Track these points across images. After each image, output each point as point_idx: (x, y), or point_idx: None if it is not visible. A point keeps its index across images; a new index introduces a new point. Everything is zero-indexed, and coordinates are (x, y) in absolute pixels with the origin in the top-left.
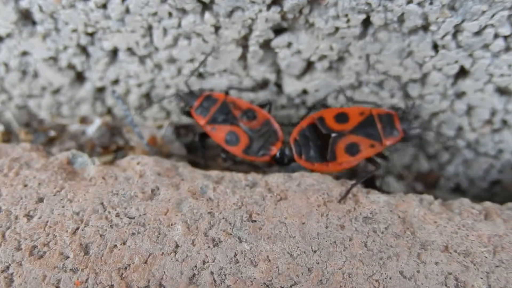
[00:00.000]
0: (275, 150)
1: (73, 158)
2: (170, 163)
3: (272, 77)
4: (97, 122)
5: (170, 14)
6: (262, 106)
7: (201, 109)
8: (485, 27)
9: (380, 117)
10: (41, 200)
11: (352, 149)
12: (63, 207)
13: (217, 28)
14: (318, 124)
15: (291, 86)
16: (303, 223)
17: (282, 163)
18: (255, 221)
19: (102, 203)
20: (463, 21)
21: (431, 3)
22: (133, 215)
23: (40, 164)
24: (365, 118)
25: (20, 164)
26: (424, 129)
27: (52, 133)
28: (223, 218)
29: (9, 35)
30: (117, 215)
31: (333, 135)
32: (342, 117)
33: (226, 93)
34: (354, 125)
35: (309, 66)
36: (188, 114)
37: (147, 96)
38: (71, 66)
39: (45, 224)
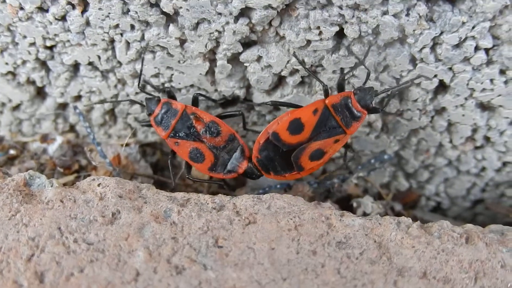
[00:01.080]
0: (242, 168)
1: (30, 180)
2: (133, 185)
3: (241, 92)
4: (59, 140)
5: (132, 27)
6: (233, 115)
7: (161, 119)
8: (465, 39)
9: (335, 107)
10: None
11: (318, 155)
12: (18, 232)
13: (182, 41)
14: (274, 141)
15: (260, 101)
16: (273, 249)
17: (253, 178)
18: (221, 246)
19: (59, 228)
20: (441, 33)
21: (407, 15)
22: (92, 241)
23: None
24: (320, 116)
25: None
26: (389, 93)
27: (12, 152)
28: (188, 243)
29: None
30: (75, 241)
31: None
32: (296, 126)
33: (194, 101)
34: (310, 130)
35: (280, 80)
36: (147, 123)
37: (111, 112)
38: (30, 82)
39: None
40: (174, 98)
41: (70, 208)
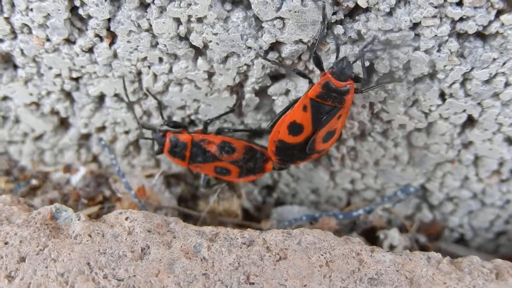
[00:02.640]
0: (269, 167)
1: (56, 213)
2: (161, 219)
3: (268, 125)
4: (82, 171)
5: (160, 60)
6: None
7: (175, 153)
8: (496, 75)
9: (321, 96)
10: (23, 259)
11: (329, 135)
12: (46, 267)
13: (210, 74)
14: (283, 146)
15: None
16: (305, 286)
17: (283, 169)
18: (253, 283)
19: (88, 263)
20: (472, 69)
21: (439, 50)
22: (122, 277)
23: (22, 220)
24: (312, 110)
25: (0, 219)
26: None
27: (34, 182)
28: (219, 280)
29: None
30: (105, 277)
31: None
32: (295, 128)
33: (218, 132)
34: (310, 125)
35: None
36: (161, 152)
37: (135, 143)
38: (54, 112)
39: (28, 286)
40: (178, 126)
41: (98, 242)
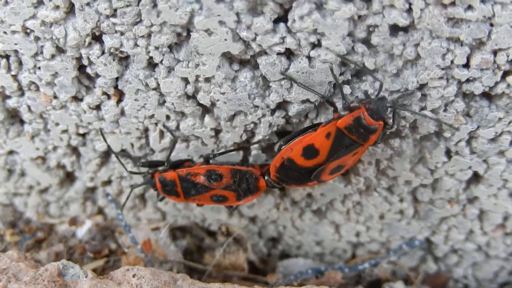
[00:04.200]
0: (263, 185)
1: (63, 270)
2: (168, 275)
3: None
4: (88, 224)
5: (168, 117)
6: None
7: (168, 192)
8: (501, 133)
9: (349, 128)
10: None
11: (338, 169)
12: None
13: (217, 132)
14: (290, 166)
15: (296, 190)
16: None
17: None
18: None
19: None
20: (478, 127)
21: (445, 110)
22: None
23: (29, 277)
24: (334, 139)
25: (7, 276)
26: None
27: (40, 234)
28: None
29: None
30: None
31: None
32: (310, 152)
33: (206, 160)
34: (326, 153)
35: None
36: (163, 197)
37: (142, 197)
38: (60, 166)
39: None
40: (179, 164)
41: None
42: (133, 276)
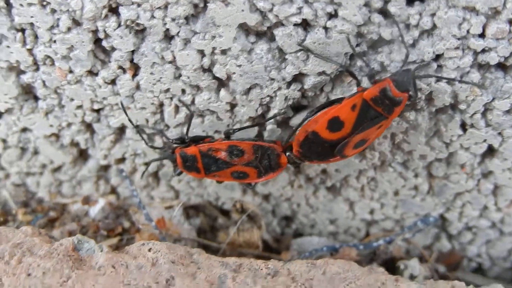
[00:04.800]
0: (284, 162)
1: (78, 244)
2: (184, 250)
3: None
4: (101, 202)
5: (183, 91)
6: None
7: (189, 168)
8: None
9: (375, 100)
10: None
11: (362, 143)
12: None
13: (232, 106)
14: (314, 139)
15: (310, 167)
16: None
17: (297, 165)
18: None
19: None
20: (493, 99)
21: (460, 82)
22: None
23: (44, 251)
24: (360, 111)
25: (22, 250)
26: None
27: (52, 214)
28: None
29: (8, 111)
30: None
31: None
32: (335, 124)
33: (227, 136)
34: (351, 125)
35: None
36: (180, 172)
37: (155, 174)
38: (74, 144)
39: None
40: (201, 139)
41: (122, 274)
42: (149, 250)
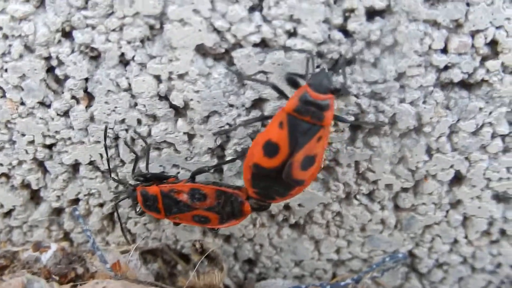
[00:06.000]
0: (248, 209)
1: (28, 284)
2: (141, 287)
3: None
4: (53, 248)
5: (139, 122)
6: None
7: (149, 207)
8: (482, 125)
9: (298, 110)
10: None
11: (308, 161)
12: None
13: (190, 137)
14: (259, 172)
15: (273, 205)
16: None
17: (264, 209)
18: None
19: None
20: (458, 120)
21: (424, 102)
22: None
23: None
24: (289, 126)
25: None
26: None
27: (1, 261)
28: None
29: None
30: None
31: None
32: (271, 149)
33: (192, 177)
34: (287, 144)
35: None
36: (143, 212)
37: (110, 217)
38: (25, 185)
39: None
40: (145, 178)
41: None
42: None
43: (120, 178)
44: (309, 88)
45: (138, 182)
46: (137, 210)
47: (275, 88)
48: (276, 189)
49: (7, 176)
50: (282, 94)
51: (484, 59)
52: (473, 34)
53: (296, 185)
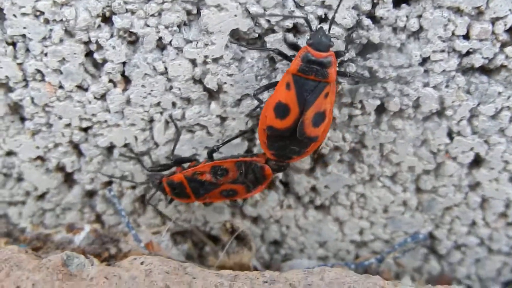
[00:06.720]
0: (269, 173)
1: (68, 260)
2: (177, 263)
3: (279, 174)
4: (86, 229)
5: (174, 105)
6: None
7: (178, 195)
8: (501, 109)
9: (302, 69)
10: None
11: (319, 118)
12: None
13: (223, 119)
14: (273, 133)
15: (299, 184)
16: None
17: (282, 170)
18: None
19: None
20: (478, 104)
21: (447, 86)
22: None
23: (33, 265)
24: (295, 86)
25: (10, 265)
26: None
27: (35, 243)
28: None
29: None
30: None
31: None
32: (282, 110)
33: (210, 156)
34: (296, 104)
35: (318, 159)
36: (172, 200)
37: (141, 199)
38: (59, 168)
39: None
40: (187, 160)
41: (116, 284)
42: (141, 263)
43: (150, 170)
44: (310, 48)
45: (161, 175)
46: (166, 200)
47: (281, 53)
48: (292, 148)
49: (42, 159)
50: (287, 59)
51: (503, 45)
52: (493, 21)
53: (311, 142)
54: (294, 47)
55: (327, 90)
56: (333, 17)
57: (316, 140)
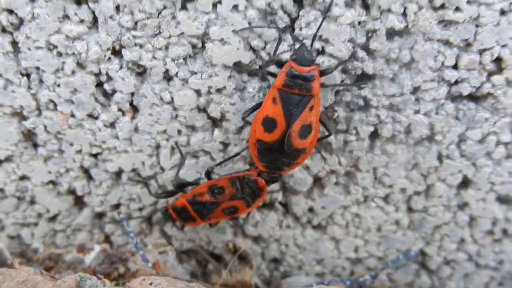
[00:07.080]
0: (263, 185)
1: (81, 282)
2: (184, 283)
3: (279, 195)
4: (96, 249)
5: (179, 132)
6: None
7: (184, 219)
8: (488, 134)
9: (287, 84)
10: None
11: (305, 130)
12: None
13: (225, 145)
14: (263, 147)
15: (297, 205)
16: None
17: (274, 181)
18: None
19: None
20: (466, 129)
21: (437, 113)
22: None
23: (48, 287)
24: (281, 101)
25: (27, 287)
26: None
27: (48, 262)
28: None
29: (8, 158)
30: None
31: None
32: (269, 124)
33: (207, 176)
34: (282, 118)
35: (315, 182)
36: (184, 225)
37: (148, 220)
38: (70, 191)
39: None
40: (188, 184)
41: None
42: (150, 284)
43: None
44: (293, 63)
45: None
46: (177, 226)
47: (269, 73)
48: (282, 160)
49: (54, 183)
50: (274, 76)
51: (490, 74)
52: (481, 52)
53: (299, 153)
54: (280, 64)
55: (312, 103)
56: (316, 33)
57: (304, 152)
